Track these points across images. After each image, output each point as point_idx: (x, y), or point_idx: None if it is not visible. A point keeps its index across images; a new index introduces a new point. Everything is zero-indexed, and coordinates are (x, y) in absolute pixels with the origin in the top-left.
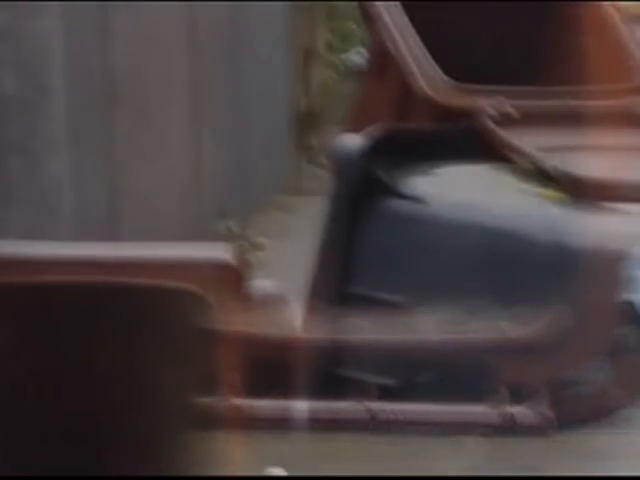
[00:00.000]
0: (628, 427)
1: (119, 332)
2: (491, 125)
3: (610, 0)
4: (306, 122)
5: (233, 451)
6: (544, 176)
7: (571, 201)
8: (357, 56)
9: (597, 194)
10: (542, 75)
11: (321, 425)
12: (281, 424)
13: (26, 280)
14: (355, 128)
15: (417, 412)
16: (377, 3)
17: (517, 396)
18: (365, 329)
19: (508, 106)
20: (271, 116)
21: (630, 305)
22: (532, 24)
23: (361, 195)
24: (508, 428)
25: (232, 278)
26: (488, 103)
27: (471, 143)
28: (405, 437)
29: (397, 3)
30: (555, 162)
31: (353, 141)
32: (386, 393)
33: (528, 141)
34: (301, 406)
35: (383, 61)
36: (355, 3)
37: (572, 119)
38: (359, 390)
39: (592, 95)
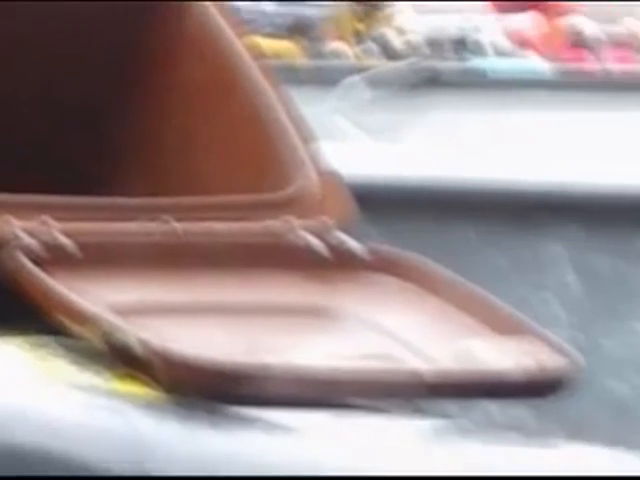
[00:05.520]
0: None
1: None
2: (28, 266)
3: None
4: None
5: None
6: (124, 358)
7: (175, 400)
8: None
9: (221, 388)
10: (124, 179)
11: None
12: None
13: None
14: None
15: None
16: None
17: None
18: None
19: (59, 233)
20: None
21: None
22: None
23: None
24: None
25: None
26: (20, 227)
27: None
28: None
29: None
30: (145, 333)
31: None
32: None
33: (96, 295)
34: None
35: None
36: None
37: (178, 255)
38: None
39: (212, 214)
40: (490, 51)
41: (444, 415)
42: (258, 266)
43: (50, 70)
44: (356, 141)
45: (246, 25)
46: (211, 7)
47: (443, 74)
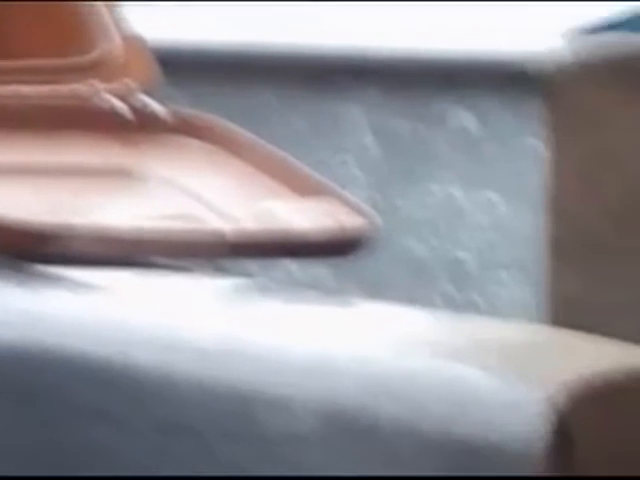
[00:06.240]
0: None
1: None
2: None
3: None
4: None
5: None
6: None
7: None
8: None
9: (28, 247)
10: None
11: None
12: None
13: None
14: None
15: None
16: None
17: None
18: None
19: None
20: None
21: None
22: None
23: None
24: None
25: None
26: None
27: None
28: None
29: None
30: None
31: None
32: None
33: None
34: None
35: None
36: None
37: None
38: None
39: (19, 77)
40: None
41: (246, 274)
42: (64, 128)
43: None
44: (159, 6)
45: None
46: None
47: None
